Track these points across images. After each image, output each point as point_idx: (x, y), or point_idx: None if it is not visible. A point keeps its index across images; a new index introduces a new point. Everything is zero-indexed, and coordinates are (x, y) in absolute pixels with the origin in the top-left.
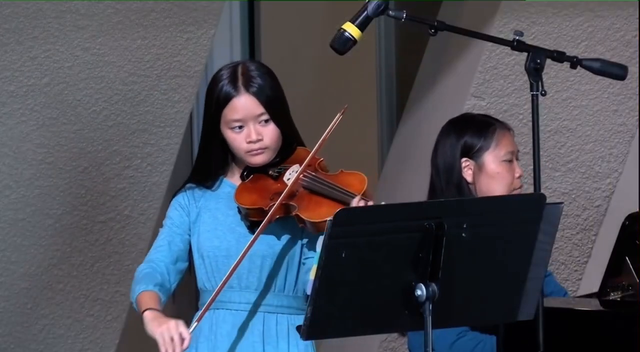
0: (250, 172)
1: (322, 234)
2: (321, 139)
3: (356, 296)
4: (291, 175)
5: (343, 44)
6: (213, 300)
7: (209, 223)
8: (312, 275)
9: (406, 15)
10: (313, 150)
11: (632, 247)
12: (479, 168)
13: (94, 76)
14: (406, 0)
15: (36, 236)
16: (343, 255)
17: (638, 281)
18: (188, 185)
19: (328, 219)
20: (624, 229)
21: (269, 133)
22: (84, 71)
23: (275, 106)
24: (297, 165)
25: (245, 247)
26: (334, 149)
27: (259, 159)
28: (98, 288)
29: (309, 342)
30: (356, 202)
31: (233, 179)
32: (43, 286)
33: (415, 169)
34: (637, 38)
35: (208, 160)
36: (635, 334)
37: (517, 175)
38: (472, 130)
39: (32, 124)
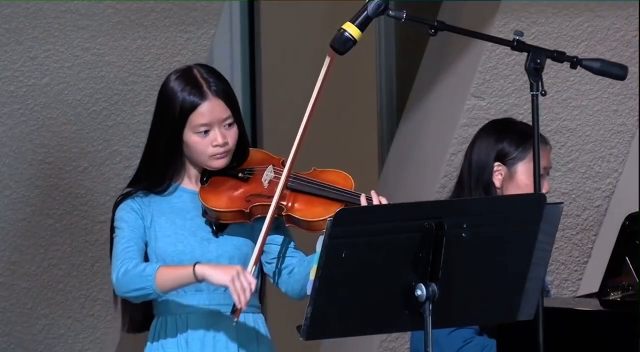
0: (210, 175)
1: (318, 233)
2: (297, 140)
3: (356, 296)
4: (267, 176)
5: (343, 44)
6: (258, 257)
7: (168, 228)
8: (312, 275)
9: (406, 15)
10: (294, 148)
11: (632, 247)
12: (510, 176)
13: (94, 76)
14: (406, 0)
15: (36, 236)
16: (343, 255)
17: (638, 281)
18: (134, 192)
19: (327, 216)
20: (624, 229)
21: (233, 136)
22: (84, 71)
23: (236, 108)
24: (271, 166)
25: (258, 247)
26: (334, 149)
27: (221, 163)
28: (98, 288)
29: (270, 341)
30: (364, 198)
31: (187, 185)
32: (43, 286)
33: (415, 169)
34: (637, 38)
35: (165, 166)
36: (635, 334)
37: (544, 190)
38: (512, 138)
39: (32, 124)
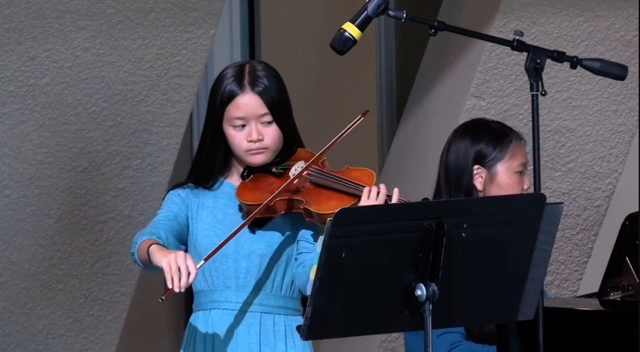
0: (251, 171)
1: (321, 236)
2: (336, 137)
3: (356, 296)
4: (296, 170)
5: (343, 44)
6: (214, 252)
7: (208, 221)
8: (312, 275)
9: (406, 15)
10: (325, 147)
11: (632, 247)
12: (491, 177)
13: (94, 76)
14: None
15: (36, 236)
16: (343, 255)
17: (638, 281)
18: (186, 184)
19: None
20: (624, 229)
21: (270, 134)
22: (84, 71)
23: (279, 108)
24: (302, 161)
25: (236, 228)
26: (334, 149)
27: (258, 159)
28: (98, 288)
29: (306, 343)
30: (367, 192)
31: (233, 180)
32: (43, 286)
33: (415, 169)
34: (637, 38)
35: (211, 160)
36: (635, 334)
37: (525, 186)
38: (488, 139)
39: (32, 124)
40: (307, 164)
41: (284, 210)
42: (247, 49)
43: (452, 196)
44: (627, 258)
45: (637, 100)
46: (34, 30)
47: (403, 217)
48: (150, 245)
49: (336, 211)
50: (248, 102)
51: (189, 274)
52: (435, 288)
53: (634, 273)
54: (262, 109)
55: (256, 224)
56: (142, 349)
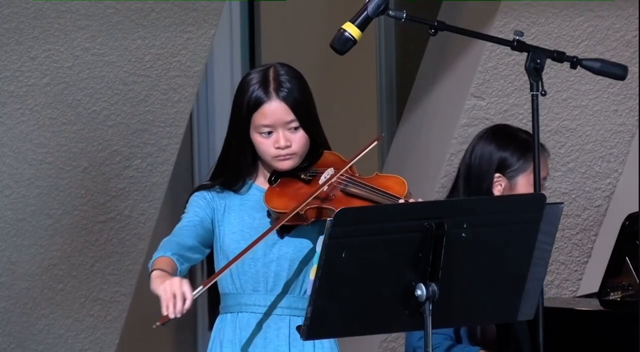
0: (278, 176)
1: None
2: (355, 156)
3: (356, 296)
4: (325, 178)
5: (343, 44)
6: (231, 263)
7: (235, 224)
8: (312, 275)
9: (406, 15)
10: (351, 160)
11: (632, 247)
12: (510, 187)
13: (94, 76)
14: (406, 0)
15: (36, 236)
16: (343, 255)
17: (638, 281)
18: (212, 185)
19: None
20: (624, 229)
21: (298, 140)
22: (84, 71)
23: (305, 113)
24: (332, 168)
25: (262, 234)
26: (334, 149)
27: (286, 165)
28: (98, 288)
29: (332, 341)
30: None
31: (261, 183)
32: (43, 286)
33: (415, 169)
34: (637, 38)
35: (238, 164)
36: (635, 334)
37: None
38: (514, 148)
39: (32, 124)
40: (337, 172)
41: (314, 217)
42: (247, 49)
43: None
44: (627, 258)
45: (637, 100)
46: (34, 30)
47: (403, 217)
48: (154, 270)
49: None
50: (275, 110)
51: (184, 300)
52: (435, 288)
53: (634, 273)
54: (289, 115)
55: (284, 230)
56: (142, 349)
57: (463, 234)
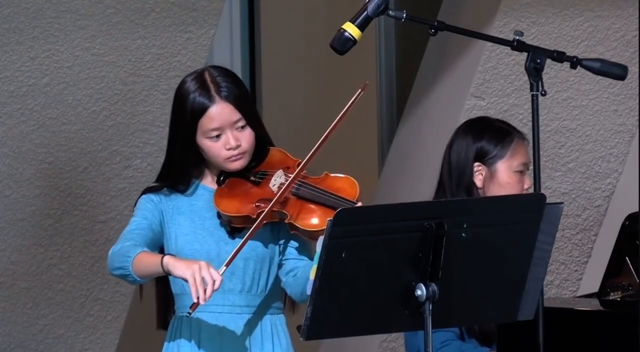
0: (226, 176)
1: (321, 236)
2: (339, 116)
3: (356, 296)
4: (276, 181)
5: (343, 44)
6: (234, 257)
7: (186, 226)
8: (312, 275)
9: (406, 15)
10: (306, 158)
11: (632, 247)
12: (491, 175)
13: (94, 76)
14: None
15: (36, 236)
16: (343, 255)
17: (638, 281)
18: (161, 189)
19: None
20: (624, 229)
21: (247, 138)
22: (84, 71)
23: (249, 109)
24: (282, 170)
25: (233, 251)
26: (334, 149)
27: (237, 165)
28: (98, 288)
29: (290, 342)
30: None
31: (208, 183)
32: (43, 286)
33: (415, 169)
34: (637, 38)
35: (185, 170)
36: (635, 334)
37: (526, 186)
38: (489, 136)
39: (32, 124)
40: (292, 178)
41: (266, 220)
42: (247, 49)
43: (454, 193)
44: (627, 258)
45: (637, 100)
46: (34, 30)
47: (403, 217)
48: (163, 256)
49: (324, 227)
50: (221, 112)
51: (214, 283)
52: (435, 288)
53: (634, 273)
54: (235, 115)
55: (235, 230)
56: (142, 349)
57: (463, 234)
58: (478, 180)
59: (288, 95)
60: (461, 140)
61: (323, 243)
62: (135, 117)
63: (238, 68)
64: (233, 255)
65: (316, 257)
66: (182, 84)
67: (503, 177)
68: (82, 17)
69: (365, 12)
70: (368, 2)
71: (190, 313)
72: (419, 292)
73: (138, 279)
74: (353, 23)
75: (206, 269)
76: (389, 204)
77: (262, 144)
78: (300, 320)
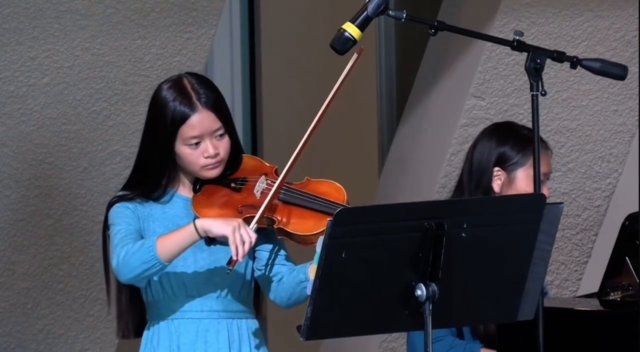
0: (202, 184)
1: (310, 246)
2: (302, 140)
3: (356, 296)
4: (259, 187)
5: (343, 44)
6: (282, 180)
7: (161, 233)
8: (312, 275)
9: (406, 15)
10: (290, 161)
11: (632, 247)
12: (509, 182)
13: (94, 76)
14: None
15: (36, 236)
16: (343, 255)
17: (638, 281)
18: (128, 195)
19: (320, 230)
20: (624, 229)
21: (224, 146)
22: (84, 71)
23: (227, 117)
24: (263, 176)
25: (263, 205)
26: (334, 149)
27: (214, 173)
28: (98, 288)
29: (265, 346)
30: None
31: (183, 192)
32: (43, 286)
33: (415, 169)
34: (637, 38)
35: (159, 177)
36: (635, 334)
37: None
38: (513, 143)
39: (32, 124)
40: (278, 183)
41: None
42: (247, 49)
43: (472, 193)
44: (627, 258)
45: (637, 100)
46: (34, 30)
47: (403, 217)
48: (193, 221)
49: (317, 231)
50: (202, 120)
51: (250, 241)
52: (435, 288)
53: (634, 273)
54: (215, 123)
55: (211, 238)
56: None
57: (463, 234)
58: (496, 185)
59: (288, 95)
60: (485, 142)
61: (323, 243)
62: (135, 117)
63: (238, 68)
64: (262, 211)
65: (316, 257)
66: (159, 91)
67: (521, 185)
68: (82, 17)
69: (365, 12)
70: (368, 2)
71: (230, 270)
72: (419, 292)
73: (165, 263)
74: (353, 23)
75: (244, 227)
76: (389, 204)
77: (235, 151)
78: (265, 325)
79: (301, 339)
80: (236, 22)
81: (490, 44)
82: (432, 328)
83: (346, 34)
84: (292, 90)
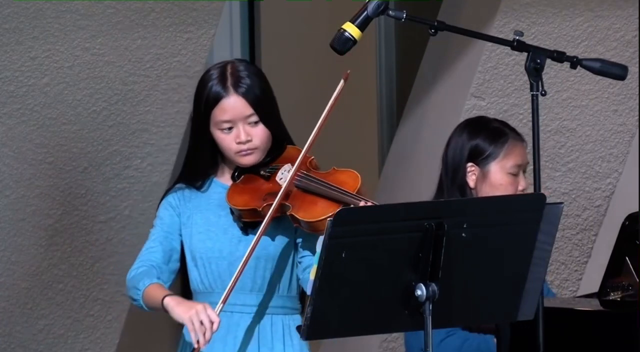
0: (241, 172)
1: (319, 233)
2: (312, 134)
3: (356, 296)
4: (283, 175)
5: (343, 44)
6: (228, 295)
7: (201, 224)
8: (312, 275)
9: (406, 15)
10: (304, 149)
11: (632, 247)
12: (483, 175)
13: (94, 76)
14: (406, 0)
15: (36, 236)
16: (343, 255)
17: (638, 281)
18: (178, 185)
19: (324, 217)
20: (624, 229)
21: (259, 134)
22: (84, 71)
23: (264, 107)
24: (289, 164)
25: (248, 249)
26: (334, 149)
27: (248, 160)
28: (98, 288)
29: (303, 342)
30: (363, 204)
31: (223, 180)
32: (43, 286)
33: (415, 169)
34: (637, 38)
35: (197, 160)
36: (635, 334)
37: (520, 188)
38: (484, 136)
39: (32, 124)
40: (293, 168)
41: (275, 214)
42: (247, 49)
43: (449, 192)
44: (627, 258)
45: (637, 100)
46: (34, 30)
47: (403, 217)
48: (165, 296)
49: (321, 218)
50: (233, 105)
51: (212, 324)
52: (435, 288)
53: (634, 273)
54: (247, 110)
55: (249, 227)
56: (142, 349)
57: (463, 234)
58: (471, 180)
59: (288, 95)
60: (457, 138)
61: (323, 243)
62: (135, 117)
63: None
64: (232, 284)
65: (316, 257)
66: (206, 71)
67: (496, 178)
68: (82, 17)
69: (365, 12)
70: (368, 2)
71: None
72: (419, 292)
73: (148, 309)
74: (353, 23)
75: (204, 312)
76: (389, 204)
77: (279, 142)
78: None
79: (301, 339)
80: (236, 22)
81: (490, 44)
82: (432, 328)
83: (346, 34)
84: (292, 90)
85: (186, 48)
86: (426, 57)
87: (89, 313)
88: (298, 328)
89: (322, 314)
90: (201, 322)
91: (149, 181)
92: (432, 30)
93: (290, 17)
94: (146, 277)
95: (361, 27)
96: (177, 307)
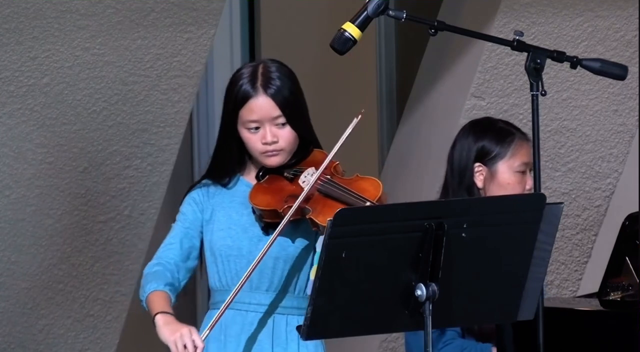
0: (266, 172)
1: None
2: (338, 144)
3: (356, 296)
4: (306, 178)
5: (343, 44)
6: (226, 307)
7: (223, 222)
8: (312, 275)
9: (406, 15)
10: (329, 156)
11: (632, 247)
12: (491, 175)
13: (94, 76)
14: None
15: (36, 236)
16: (343, 255)
17: (638, 281)
18: (204, 181)
19: None
20: (624, 229)
21: (285, 135)
22: (84, 71)
23: (293, 109)
24: (313, 168)
25: (262, 250)
26: (333, 148)
27: (273, 161)
28: (98, 288)
29: (318, 342)
30: None
31: (249, 178)
32: (43, 286)
33: (415, 169)
34: (637, 38)
35: (224, 158)
36: (635, 334)
37: (527, 187)
38: (491, 136)
39: (32, 124)
40: (317, 172)
41: (295, 217)
42: (247, 49)
43: (456, 193)
44: (627, 258)
45: (637, 100)
46: (34, 30)
47: (403, 217)
48: (157, 313)
49: None
50: (261, 105)
51: (195, 349)
52: (435, 288)
53: (634, 273)
54: (275, 111)
55: (270, 227)
56: (142, 349)
57: (463, 234)
58: (479, 180)
59: None
60: (463, 140)
61: (323, 243)
62: (135, 117)
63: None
64: (240, 285)
65: (316, 257)
66: (238, 69)
67: (504, 178)
68: (82, 17)
69: (365, 12)
70: (368, 2)
71: None
72: (419, 292)
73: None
74: (353, 23)
75: (188, 336)
76: (389, 204)
77: (306, 144)
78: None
79: (301, 339)
80: (236, 22)
81: (490, 44)
82: (432, 328)
83: (346, 34)
84: None
85: (186, 48)
86: (426, 57)
87: (89, 313)
88: (298, 328)
89: (322, 314)
90: (185, 347)
91: (149, 181)
92: (432, 30)
93: (290, 16)
94: (154, 281)
95: (361, 27)
96: (164, 328)
